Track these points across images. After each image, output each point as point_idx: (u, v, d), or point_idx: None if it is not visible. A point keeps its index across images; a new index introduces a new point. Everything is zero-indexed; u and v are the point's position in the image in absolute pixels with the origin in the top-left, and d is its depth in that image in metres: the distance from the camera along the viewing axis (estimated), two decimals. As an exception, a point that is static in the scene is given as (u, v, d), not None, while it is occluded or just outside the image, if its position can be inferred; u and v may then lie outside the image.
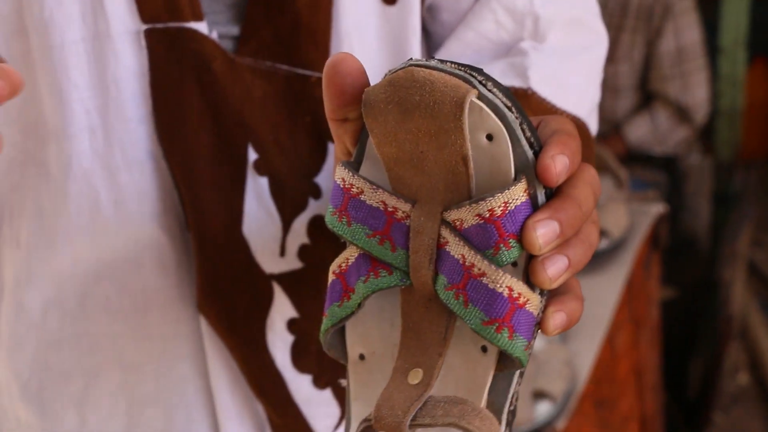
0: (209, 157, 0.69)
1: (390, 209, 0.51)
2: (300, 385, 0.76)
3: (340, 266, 0.53)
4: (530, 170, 0.49)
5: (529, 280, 0.50)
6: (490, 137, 0.49)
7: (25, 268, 0.71)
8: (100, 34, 0.66)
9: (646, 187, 2.55)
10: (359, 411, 0.53)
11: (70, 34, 0.65)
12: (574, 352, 1.71)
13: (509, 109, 0.49)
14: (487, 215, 0.48)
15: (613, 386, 1.89)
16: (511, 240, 0.48)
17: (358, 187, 0.52)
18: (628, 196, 2.20)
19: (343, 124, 0.53)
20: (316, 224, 0.72)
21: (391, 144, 0.50)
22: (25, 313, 0.72)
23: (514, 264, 0.50)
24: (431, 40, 0.78)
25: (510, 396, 0.52)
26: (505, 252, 0.49)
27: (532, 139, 0.50)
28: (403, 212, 0.51)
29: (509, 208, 0.48)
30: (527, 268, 0.50)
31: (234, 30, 0.69)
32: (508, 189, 0.48)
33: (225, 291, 0.72)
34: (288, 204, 0.71)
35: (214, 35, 0.68)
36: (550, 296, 0.51)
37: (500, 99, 0.49)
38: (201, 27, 0.67)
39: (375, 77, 0.52)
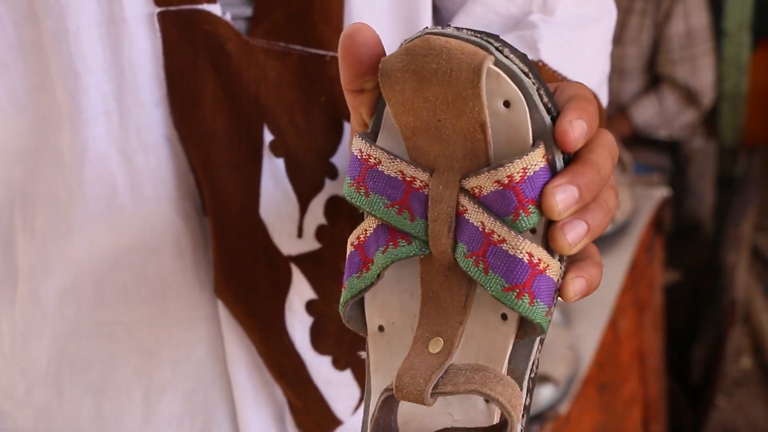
0: (225, 139, 0.68)
1: (408, 179, 0.51)
2: (320, 367, 0.76)
3: (358, 237, 0.53)
4: (548, 136, 0.49)
5: (548, 246, 0.50)
6: (507, 104, 0.49)
7: (40, 257, 0.71)
8: (115, 18, 0.65)
9: (650, 171, 2.55)
10: (379, 382, 0.53)
11: (85, 18, 0.65)
12: (577, 336, 1.71)
13: (526, 74, 0.49)
14: (506, 181, 0.48)
15: (616, 370, 1.89)
16: (530, 206, 0.48)
17: (375, 158, 0.51)
18: (631, 180, 2.19)
19: (359, 95, 0.53)
20: (334, 205, 0.72)
21: (409, 113, 0.50)
22: (41, 301, 0.72)
23: (533, 231, 0.50)
24: (441, 17, 0.78)
25: (531, 363, 0.52)
26: (525, 218, 0.48)
27: (550, 105, 0.50)
28: (422, 181, 0.51)
29: (528, 174, 0.48)
30: (546, 234, 0.50)
31: (247, 11, 0.69)
32: (527, 155, 0.48)
33: (243, 274, 0.72)
34: (305, 185, 0.71)
35: (228, 17, 0.67)
36: (570, 262, 0.51)
37: (517, 65, 0.49)
38: (214, 9, 0.66)
39: (387, 53, 0.51)
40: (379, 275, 0.52)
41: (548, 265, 0.49)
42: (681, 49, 2.75)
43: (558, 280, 0.50)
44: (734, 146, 3.21)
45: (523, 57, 0.49)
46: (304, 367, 0.75)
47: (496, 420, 0.53)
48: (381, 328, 0.54)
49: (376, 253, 0.52)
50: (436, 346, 0.51)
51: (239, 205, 0.70)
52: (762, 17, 3.14)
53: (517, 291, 0.48)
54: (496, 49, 0.49)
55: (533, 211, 0.48)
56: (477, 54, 0.47)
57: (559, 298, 0.51)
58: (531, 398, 0.53)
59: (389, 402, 0.52)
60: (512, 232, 0.48)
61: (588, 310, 1.78)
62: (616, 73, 2.77)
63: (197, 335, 0.74)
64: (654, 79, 2.83)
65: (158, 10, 0.66)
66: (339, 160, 0.72)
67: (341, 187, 0.71)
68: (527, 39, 0.71)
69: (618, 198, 0.54)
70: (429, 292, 0.52)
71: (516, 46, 0.71)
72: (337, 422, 0.78)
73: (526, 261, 0.48)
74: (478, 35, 0.49)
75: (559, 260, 0.50)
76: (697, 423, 2.52)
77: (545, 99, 0.49)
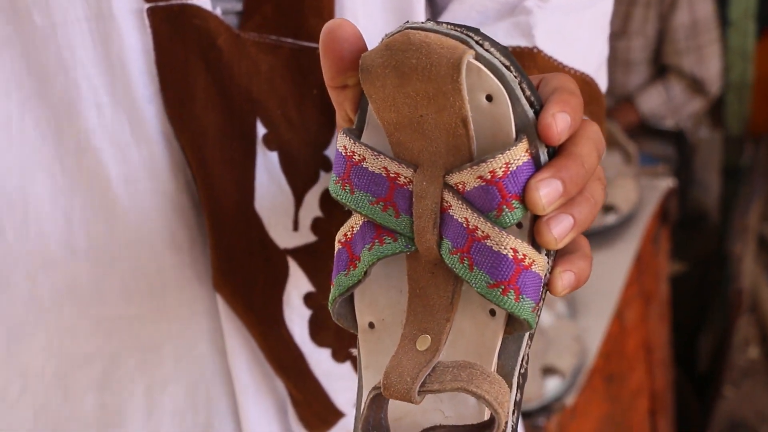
0: (218, 134, 0.68)
1: (392, 175, 0.51)
2: (319, 360, 0.76)
3: (345, 235, 0.53)
4: (531, 129, 0.49)
5: (535, 241, 0.49)
6: (489, 98, 0.48)
7: (35, 255, 0.70)
8: (103, 13, 0.65)
9: (656, 162, 2.54)
10: (370, 379, 0.53)
11: (72, 12, 0.64)
12: (584, 327, 1.71)
13: (507, 68, 0.49)
14: (489, 177, 0.48)
15: (623, 361, 1.89)
16: (513, 201, 0.48)
17: (360, 155, 0.51)
18: (637, 171, 2.19)
19: (342, 91, 0.52)
20: (329, 197, 0.72)
21: (390, 109, 0.49)
22: (36, 300, 0.71)
23: (519, 226, 0.50)
24: (435, 6, 0.78)
25: (520, 359, 0.52)
26: (509, 213, 0.48)
27: (533, 98, 0.49)
28: (406, 177, 0.50)
29: (511, 169, 0.48)
30: (532, 229, 0.49)
31: (238, 5, 0.69)
32: (509, 149, 0.48)
33: (240, 268, 0.71)
34: (299, 178, 0.71)
35: (218, 11, 0.67)
36: (558, 256, 0.51)
37: (498, 58, 0.49)
38: (204, 3, 0.66)
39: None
40: (366, 272, 0.52)
41: (534, 261, 0.49)
42: (686, 39, 2.74)
43: (545, 275, 0.50)
44: (740, 136, 3.20)
45: (504, 50, 0.49)
46: (304, 359, 0.75)
47: (486, 416, 0.52)
48: (371, 325, 0.54)
49: (363, 250, 0.52)
50: (423, 343, 0.50)
51: (234, 199, 0.70)
52: (767, 7, 3.12)
53: (503, 287, 0.48)
54: (477, 42, 0.48)
55: (517, 206, 0.48)
56: (456, 48, 0.47)
57: (548, 293, 0.51)
58: (521, 394, 0.53)
59: (378, 400, 0.52)
60: (496, 228, 0.48)
61: (594, 302, 1.78)
62: (622, 64, 2.76)
63: (198, 329, 0.74)
64: (660, 70, 2.82)
65: (147, 5, 0.65)
66: (333, 152, 0.72)
67: None
68: (522, 25, 0.71)
69: (605, 190, 0.53)
70: (416, 289, 0.52)
71: (511, 33, 0.71)
72: (339, 414, 0.78)
73: (511, 257, 0.48)
74: (458, 29, 0.49)
75: (546, 255, 0.50)
76: (704, 413, 2.52)
77: (528, 92, 0.49)
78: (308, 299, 0.74)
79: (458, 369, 0.49)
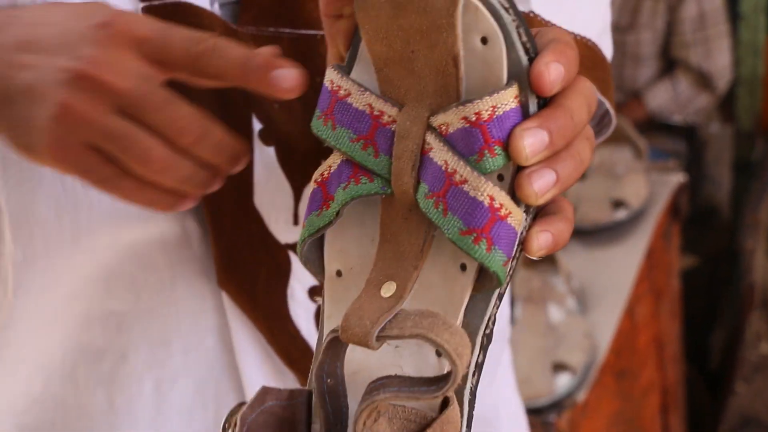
0: None
1: (376, 113, 0.49)
2: None
3: (322, 174, 0.52)
4: (523, 77, 0.47)
5: (515, 196, 0.48)
6: (484, 41, 0.47)
7: (47, 271, 0.70)
8: None
9: (666, 157, 2.54)
10: (331, 328, 0.51)
11: None
12: (594, 323, 1.70)
13: (506, 10, 0.47)
14: (474, 119, 0.47)
15: (634, 357, 1.88)
16: (496, 147, 0.47)
17: (345, 90, 0.50)
18: (647, 166, 2.18)
19: (336, 21, 0.51)
20: None
21: (382, 41, 0.48)
22: (52, 300, 0.71)
23: (501, 178, 0.48)
24: None
25: (486, 318, 0.50)
26: (490, 159, 0.47)
27: (528, 45, 0.48)
28: (389, 116, 0.49)
29: (497, 113, 0.47)
30: (513, 183, 0.48)
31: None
32: (498, 92, 0.47)
33: (243, 265, 0.71)
34: (298, 171, 0.71)
35: (216, 6, 0.67)
36: (538, 216, 0.49)
37: None
38: (199, 0, 0.66)
39: None
40: (338, 213, 0.50)
41: (510, 212, 0.47)
42: (694, 31, 2.73)
43: (521, 231, 0.48)
44: (751, 131, 3.19)
45: None
46: (311, 352, 0.75)
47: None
48: (339, 273, 0.52)
49: (338, 189, 0.51)
50: (388, 290, 0.49)
51: (233, 196, 0.69)
52: (778, 0, 3.11)
53: (475, 235, 0.47)
54: None
55: (499, 153, 0.47)
56: None
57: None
58: (484, 355, 0.51)
59: (335, 345, 0.50)
60: (475, 173, 0.47)
61: (605, 298, 1.78)
62: (632, 58, 2.76)
63: (207, 324, 0.74)
64: (669, 64, 2.81)
65: (142, 5, 0.65)
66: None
67: None
68: None
69: (593, 151, 0.51)
70: (387, 234, 0.51)
71: None
72: None
73: (487, 204, 0.47)
74: None
75: (525, 211, 0.48)
76: (716, 409, 2.51)
77: (524, 38, 0.48)
78: (312, 293, 0.74)
79: (420, 317, 0.47)
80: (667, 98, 2.77)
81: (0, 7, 0.63)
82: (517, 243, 0.48)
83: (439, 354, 0.51)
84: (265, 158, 0.70)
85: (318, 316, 0.74)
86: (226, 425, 0.53)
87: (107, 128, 0.52)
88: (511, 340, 0.96)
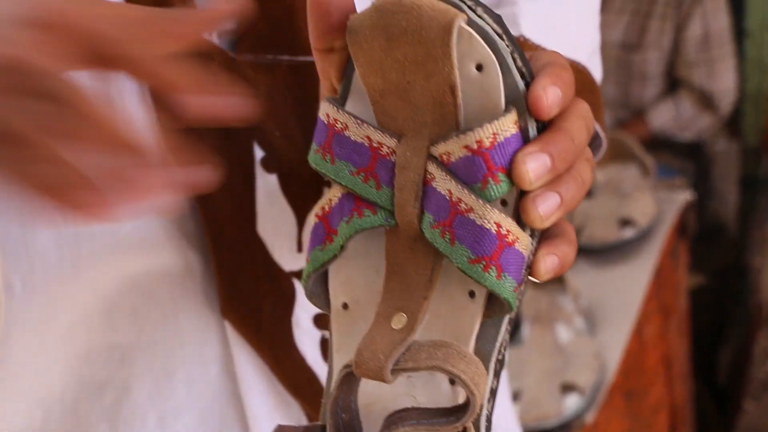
0: (215, 159, 0.68)
1: (375, 145, 0.49)
2: None
3: (322, 208, 0.51)
4: (521, 102, 0.47)
5: (520, 220, 0.48)
6: (479, 67, 0.47)
7: (47, 302, 0.70)
8: None
9: (673, 174, 2.53)
10: (341, 362, 0.51)
11: None
12: (602, 343, 1.70)
13: (500, 36, 0.47)
14: (475, 147, 0.46)
15: (642, 377, 1.88)
16: (499, 173, 0.47)
17: (342, 123, 0.50)
18: (654, 184, 2.18)
19: (328, 55, 0.51)
20: None
21: (377, 74, 0.48)
22: (52, 334, 0.71)
23: (504, 204, 0.48)
24: None
25: (498, 344, 0.50)
26: (494, 186, 0.47)
27: (524, 70, 0.48)
28: (389, 148, 0.49)
29: (498, 140, 0.46)
30: (518, 208, 0.48)
31: (233, 25, 0.67)
32: (498, 119, 0.46)
33: (246, 294, 0.71)
34: (300, 198, 0.70)
35: (213, 35, 0.67)
36: (542, 239, 0.49)
37: (491, 26, 0.47)
38: None
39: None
40: (342, 247, 0.50)
41: (517, 238, 0.47)
42: (697, 52, 2.73)
43: (528, 255, 0.48)
44: (757, 147, 3.19)
45: (497, 18, 0.48)
46: (318, 381, 0.74)
47: (462, 401, 0.50)
48: (345, 306, 0.52)
49: (340, 223, 0.50)
50: (399, 321, 0.49)
51: (235, 224, 0.69)
52: (784, 17, 3.12)
53: (484, 263, 0.46)
54: (469, 8, 0.47)
55: (503, 179, 0.47)
56: (448, 12, 0.46)
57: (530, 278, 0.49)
58: (498, 382, 0.51)
59: (349, 380, 0.50)
60: (480, 201, 0.47)
61: (613, 317, 1.77)
62: (638, 77, 2.76)
63: (210, 355, 0.73)
64: (674, 83, 2.81)
65: None
66: None
67: None
68: (507, 16, 0.69)
69: (594, 171, 0.52)
70: (394, 265, 0.50)
71: None
72: None
73: (494, 231, 0.46)
74: None
75: (530, 235, 0.48)
76: (725, 427, 2.50)
77: (519, 63, 0.48)
78: (318, 320, 0.73)
79: (434, 348, 0.47)
80: (669, 118, 2.77)
81: None
82: (524, 267, 0.48)
83: (452, 381, 0.51)
84: (267, 186, 0.70)
85: (323, 344, 0.74)
86: None
87: (28, 115, 0.50)
88: (517, 360, 0.96)
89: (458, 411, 0.48)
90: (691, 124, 2.78)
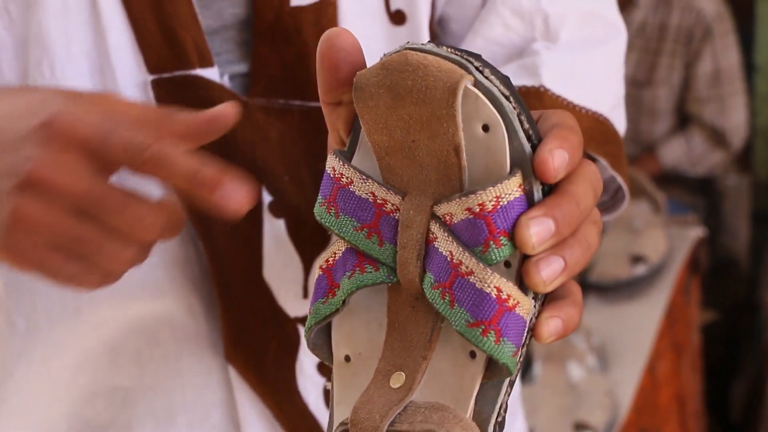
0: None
1: (379, 201, 0.49)
2: None
3: (327, 261, 0.51)
4: (527, 164, 0.47)
5: (523, 283, 0.47)
6: (486, 128, 0.47)
7: (49, 341, 0.70)
8: (108, 89, 0.65)
9: (684, 210, 2.53)
10: (341, 415, 0.51)
11: (79, 87, 0.64)
12: (615, 381, 1.69)
13: (507, 98, 0.47)
14: (477, 210, 0.46)
15: (655, 414, 1.87)
16: (501, 237, 0.46)
17: (348, 177, 0.50)
18: (665, 220, 2.18)
19: (336, 108, 0.51)
20: None
21: (382, 131, 0.48)
22: (55, 375, 0.71)
23: (508, 265, 0.48)
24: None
25: (498, 406, 0.49)
26: (495, 250, 0.46)
27: (531, 132, 0.48)
28: (393, 205, 0.49)
29: (501, 203, 0.46)
30: (521, 270, 0.47)
31: (244, 68, 0.68)
32: (501, 183, 0.46)
33: (251, 338, 0.71)
34: (307, 243, 0.70)
35: (225, 79, 0.67)
36: (547, 301, 0.49)
37: (497, 87, 0.47)
38: (209, 73, 0.66)
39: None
40: (344, 301, 0.50)
41: (518, 302, 0.46)
42: (708, 88, 2.74)
43: (530, 319, 0.48)
44: (768, 181, 3.19)
45: (504, 79, 0.48)
46: (320, 428, 0.74)
47: None
48: (347, 358, 0.52)
49: (343, 278, 0.50)
50: (397, 380, 0.48)
51: (242, 268, 0.69)
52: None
53: (483, 327, 0.46)
54: (476, 69, 0.47)
55: (505, 243, 0.46)
56: (454, 72, 0.46)
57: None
58: None
59: None
60: (481, 265, 0.46)
61: (625, 355, 1.77)
62: (648, 113, 2.76)
63: (212, 399, 0.73)
64: (684, 119, 2.82)
65: (151, 77, 0.65)
66: None
67: None
68: (529, 66, 0.69)
69: (600, 235, 0.51)
70: (395, 323, 0.50)
71: (516, 74, 0.69)
72: None
73: (494, 296, 0.46)
74: (459, 53, 0.47)
75: (533, 298, 0.48)
76: (738, 464, 2.49)
77: (526, 125, 0.47)
78: (321, 368, 0.73)
79: (430, 411, 0.47)
80: (680, 154, 2.77)
81: None
82: (526, 330, 0.48)
83: None
84: (274, 231, 0.70)
85: (326, 392, 0.74)
86: None
87: (70, 232, 0.52)
88: (530, 399, 0.95)
89: None
90: (702, 160, 2.78)
